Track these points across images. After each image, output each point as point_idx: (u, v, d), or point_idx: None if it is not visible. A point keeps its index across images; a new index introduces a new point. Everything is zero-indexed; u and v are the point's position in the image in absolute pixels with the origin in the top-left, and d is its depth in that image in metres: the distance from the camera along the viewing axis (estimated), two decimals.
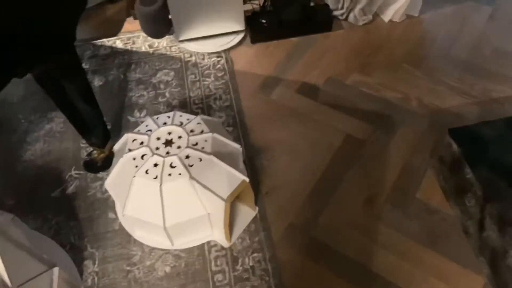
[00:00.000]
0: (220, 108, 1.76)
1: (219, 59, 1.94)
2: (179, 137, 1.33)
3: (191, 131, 1.35)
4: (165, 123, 1.37)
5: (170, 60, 1.96)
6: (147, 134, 1.34)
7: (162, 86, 1.85)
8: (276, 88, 1.82)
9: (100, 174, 1.57)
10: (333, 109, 1.73)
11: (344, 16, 2.04)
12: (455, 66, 1.85)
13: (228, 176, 1.28)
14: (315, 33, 2.03)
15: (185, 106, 1.77)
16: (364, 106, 1.73)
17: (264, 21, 1.97)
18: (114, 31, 2.14)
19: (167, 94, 1.82)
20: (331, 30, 2.03)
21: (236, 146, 1.41)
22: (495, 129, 1.35)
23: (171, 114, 1.41)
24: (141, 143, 1.33)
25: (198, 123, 1.37)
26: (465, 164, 1.30)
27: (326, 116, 1.71)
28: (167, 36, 2.06)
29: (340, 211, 1.45)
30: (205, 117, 1.42)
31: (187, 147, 1.29)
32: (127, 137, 1.37)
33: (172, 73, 1.90)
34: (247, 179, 1.28)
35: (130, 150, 1.31)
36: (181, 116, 1.40)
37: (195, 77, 1.88)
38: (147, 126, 1.38)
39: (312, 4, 2.02)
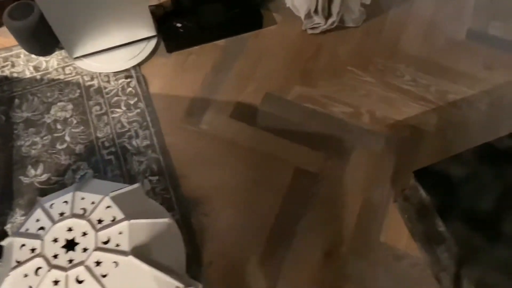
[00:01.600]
0: (138, 150, 1.41)
1: (128, 80, 1.55)
2: (84, 234, 0.99)
3: (99, 221, 1.02)
4: (62, 214, 1.02)
5: (65, 87, 1.53)
6: (39, 236, 0.99)
7: (59, 126, 1.45)
8: (206, 114, 1.50)
9: None
10: (276, 136, 1.46)
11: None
12: (407, 64, 1.62)
13: (158, 283, 0.99)
14: (244, 32, 1.68)
15: (93, 152, 1.40)
16: (311, 128, 1.48)
17: (179, 25, 1.58)
18: None
19: (67, 137, 1.43)
20: (262, 26, 1.69)
21: (165, 221, 1.11)
22: (465, 164, 1.17)
23: (69, 196, 1.05)
24: (33, 250, 0.98)
25: (107, 207, 1.04)
26: (437, 216, 1.12)
27: (269, 146, 1.44)
28: (57, 52, 1.61)
29: (299, 274, 1.23)
30: (116, 192, 1.08)
31: (96, 248, 0.96)
32: (11, 241, 1.01)
33: (70, 106, 1.49)
34: (181, 286, 1.00)
35: (18, 263, 0.97)
36: (83, 199, 1.05)
37: (101, 109, 1.49)
38: (38, 221, 1.02)
39: None
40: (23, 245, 0.99)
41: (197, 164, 1.40)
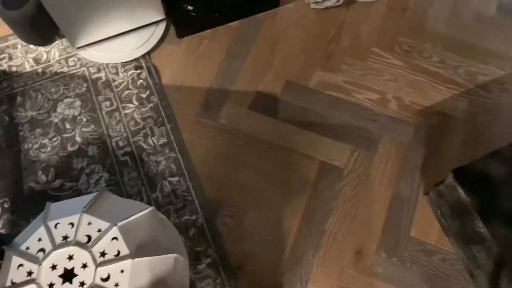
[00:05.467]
0: (155, 149, 1.33)
1: (138, 71, 1.43)
2: (84, 266, 0.89)
3: (102, 254, 0.93)
4: (65, 238, 0.92)
5: (70, 81, 1.42)
6: (37, 260, 0.90)
7: (68, 125, 1.35)
8: (224, 107, 1.41)
9: None
10: (299, 128, 1.38)
11: None
12: (433, 43, 1.51)
13: None
14: (259, 12, 1.55)
15: (107, 153, 1.32)
16: (336, 118, 1.40)
17: (190, 7, 1.44)
18: None
19: (77, 138, 1.34)
20: (279, 4, 1.56)
21: (172, 257, 1.01)
22: (506, 161, 1.11)
23: (75, 218, 0.95)
24: (29, 273, 0.89)
25: (113, 239, 0.93)
26: (477, 217, 1.07)
27: (292, 139, 1.36)
28: (57, 41, 1.48)
29: (328, 276, 1.21)
30: (126, 221, 0.96)
31: (94, 286, 0.87)
32: (10, 257, 0.93)
33: (78, 103, 1.39)
34: None
35: (13, 284, 0.89)
36: (89, 223, 0.94)
37: (111, 105, 1.39)
38: (40, 240, 0.92)
39: None
40: (21, 265, 0.92)
41: (217, 163, 1.33)
